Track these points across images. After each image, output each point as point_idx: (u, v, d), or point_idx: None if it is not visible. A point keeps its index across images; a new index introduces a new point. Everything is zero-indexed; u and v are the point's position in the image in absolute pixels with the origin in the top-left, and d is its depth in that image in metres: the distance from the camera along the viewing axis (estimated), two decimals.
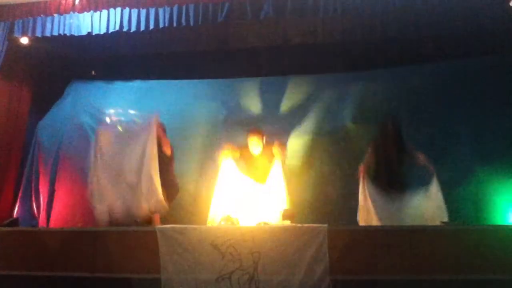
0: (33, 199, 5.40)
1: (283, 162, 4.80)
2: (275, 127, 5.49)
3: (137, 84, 5.96)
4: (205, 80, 5.86)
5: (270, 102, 5.71)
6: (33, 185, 5.44)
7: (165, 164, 4.65)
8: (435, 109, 5.34)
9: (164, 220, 4.60)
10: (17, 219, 4.97)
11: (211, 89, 5.84)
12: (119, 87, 5.94)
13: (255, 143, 4.80)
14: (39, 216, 5.33)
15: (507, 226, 4.48)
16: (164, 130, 4.77)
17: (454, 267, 3.80)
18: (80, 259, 4.13)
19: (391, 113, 5.12)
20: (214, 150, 5.17)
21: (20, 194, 5.37)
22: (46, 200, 5.38)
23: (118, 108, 5.79)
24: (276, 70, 5.83)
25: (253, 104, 5.75)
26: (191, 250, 4.00)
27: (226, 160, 4.77)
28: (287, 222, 4.27)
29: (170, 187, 4.73)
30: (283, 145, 4.96)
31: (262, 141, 4.82)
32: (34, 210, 5.36)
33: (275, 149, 4.78)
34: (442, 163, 4.84)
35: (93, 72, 6.12)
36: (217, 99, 5.79)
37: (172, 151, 4.77)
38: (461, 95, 5.27)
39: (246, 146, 4.89)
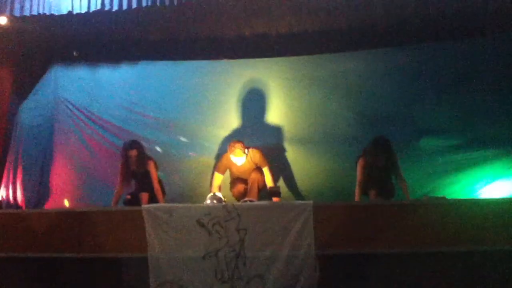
0: (19, 181, 5.35)
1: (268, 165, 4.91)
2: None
3: (122, 66, 5.85)
4: (193, 62, 5.78)
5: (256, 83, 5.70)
6: (19, 168, 5.37)
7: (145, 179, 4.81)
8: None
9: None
10: (0, 202, 4.92)
11: (198, 69, 5.76)
12: (103, 69, 5.83)
13: (237, 154, 4.83)
14: (26, 198, 5.29)
15: (483, 200, 4.58)
16: (140, 151, 4.84)
17: (436, 240, 3.88)
18: (66, 240, 4.13)
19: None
20: (205, 130, 5.24)
21: (4, 176, 5.31)
22: (37, 181, 5.36)
23: (102, 91, 5.74)
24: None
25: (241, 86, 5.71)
26: (177, 228, 4.03)
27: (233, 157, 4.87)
28: (274, 199, 4.30)
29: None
30: (257, 150, 4.99)
31: (244, 151, 4.85)
32: (19, 192, 5.31)
33: (255, 157, 4.90)
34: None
35: (75, 53, 5.99)
36: (206, 79, 5.72)
37: (152, 165, 4.85)
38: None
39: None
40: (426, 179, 5.04)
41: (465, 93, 5.21)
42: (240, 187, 4.90)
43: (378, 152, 4.48)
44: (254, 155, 4.89)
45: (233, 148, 4.79)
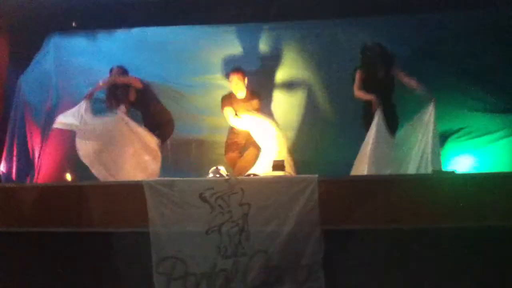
0: (21, 155, 5.28)
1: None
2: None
3: (121, 35, 5.69)
4: (196, 26, 5.61)
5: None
6: (20, 141, 5.31)
7: (144, 100, 4.82)
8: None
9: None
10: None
11: (203, 35, 5.59)
12: (101, 37, 5.68)
13: (236, 85, 4.79)
14: (28, 171, 5.22)
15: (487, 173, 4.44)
16: (123, 72, 4.91)
17: (436, 216, 3.78)
18: (65, 214, 4.05)
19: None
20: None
21: (5, 151, 5.23)
22: (37, 155, 5.30)
23: (101, 58, 5.58)
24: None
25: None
26: (179, 203, 3.94)
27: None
28: (278, 173, 4.19)
29: (161, 124, 4.82)
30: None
31: (244, 83, 4.80)
32: (20, 166, 5.25)
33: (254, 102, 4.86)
34: None
35: (73, 24, 5.83)
36: (211, 45, 5.57)
37: (145, 85, 4.87)
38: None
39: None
40: None
41: None
42: (234, 155, 4.87)
43: (376, 60, 4.30)
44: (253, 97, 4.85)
45: (232, 78, 4.79)
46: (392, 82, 4.51)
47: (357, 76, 4.44)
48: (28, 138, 5.38)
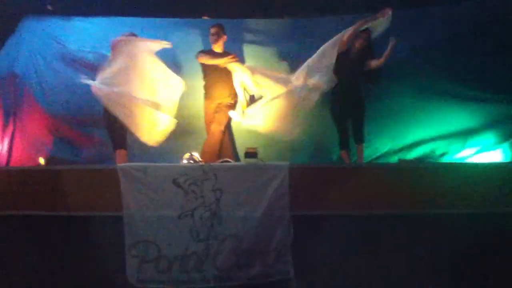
0: None
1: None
2: None
3: (98, 20, 5.64)
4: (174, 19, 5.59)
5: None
6: None
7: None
8: None
9: None
10: None
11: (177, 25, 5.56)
12: (75, 22, 5.62)
13: (214, 37, 4.92)
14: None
15: (457, 163, 4.67)
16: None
17: (407, 202, 3.99)
18: (40, 198, 4.08)
19: None
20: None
21: None
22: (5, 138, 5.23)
23: (79, 44, 5.52)
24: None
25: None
26: (153, 187, 4.02)
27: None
28: (250, 160, 4.29)
29: None
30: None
31: (221, 36, 4.92)
32: None
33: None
34: None
35: (49, 7, 5.75)
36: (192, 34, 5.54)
37: None
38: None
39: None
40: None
41: None
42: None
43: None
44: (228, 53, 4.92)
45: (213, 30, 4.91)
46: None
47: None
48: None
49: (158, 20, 5.58)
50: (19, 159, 5.17)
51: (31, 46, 5.52)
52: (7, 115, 5.31)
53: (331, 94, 4.73)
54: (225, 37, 5.00)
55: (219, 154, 4.75)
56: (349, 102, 4.66)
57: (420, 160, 4.41)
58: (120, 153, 4.58)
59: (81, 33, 5.58)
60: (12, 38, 5.52)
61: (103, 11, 5.61)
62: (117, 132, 4.59)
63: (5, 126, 5.26)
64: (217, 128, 4.82)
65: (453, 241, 4.02)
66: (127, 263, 3.97)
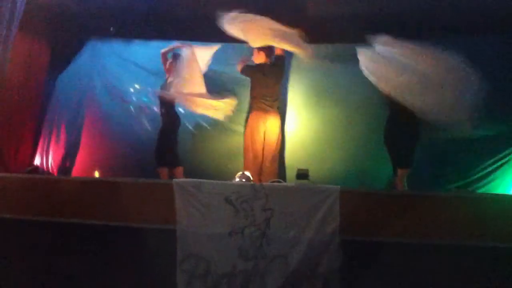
0: (53, 149, 5.52)
1: None
2: None
3: (156, 44, 5.92)
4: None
5: None
6: (52, 137, 5.55)
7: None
8: None
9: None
10: (37, 167, 5.09)
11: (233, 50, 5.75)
12: (137, 45, 5.93)
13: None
14: (59, 165, 5.46)
15: None
16: None
17: (460, 233, 3.87)
18: (96, 208, 4.23)
19: None
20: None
21: (40, 144, 5.48)
22: (67, 150, 5.52)
23: (137, 68, 5.85)
24: None
25: None
26: (206, 204, 4.10)
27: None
28: (301, 181, 4.33)
29: None
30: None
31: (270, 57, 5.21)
32: (52, 159, 5.49)
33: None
34: None
35: (111, 29, 6.09)
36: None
37: None
38: None
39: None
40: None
41: None
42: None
43: None
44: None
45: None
46: None
47: None
48: (62, 134, 5.63)
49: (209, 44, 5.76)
50: (80, 170, 5.43)
51: (94, 66, 5.88)
52: (70, 129, 5.62)
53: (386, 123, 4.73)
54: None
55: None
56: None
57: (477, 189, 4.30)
58: (179, 169, 5.03)
59: (140, 58, 5.91)
60: (78, 58, 5.89)
61: (158, 36, 5.87)
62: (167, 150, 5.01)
63: (67, 139, 5.58)
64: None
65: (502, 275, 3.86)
66: (178, 277, 4.04)
